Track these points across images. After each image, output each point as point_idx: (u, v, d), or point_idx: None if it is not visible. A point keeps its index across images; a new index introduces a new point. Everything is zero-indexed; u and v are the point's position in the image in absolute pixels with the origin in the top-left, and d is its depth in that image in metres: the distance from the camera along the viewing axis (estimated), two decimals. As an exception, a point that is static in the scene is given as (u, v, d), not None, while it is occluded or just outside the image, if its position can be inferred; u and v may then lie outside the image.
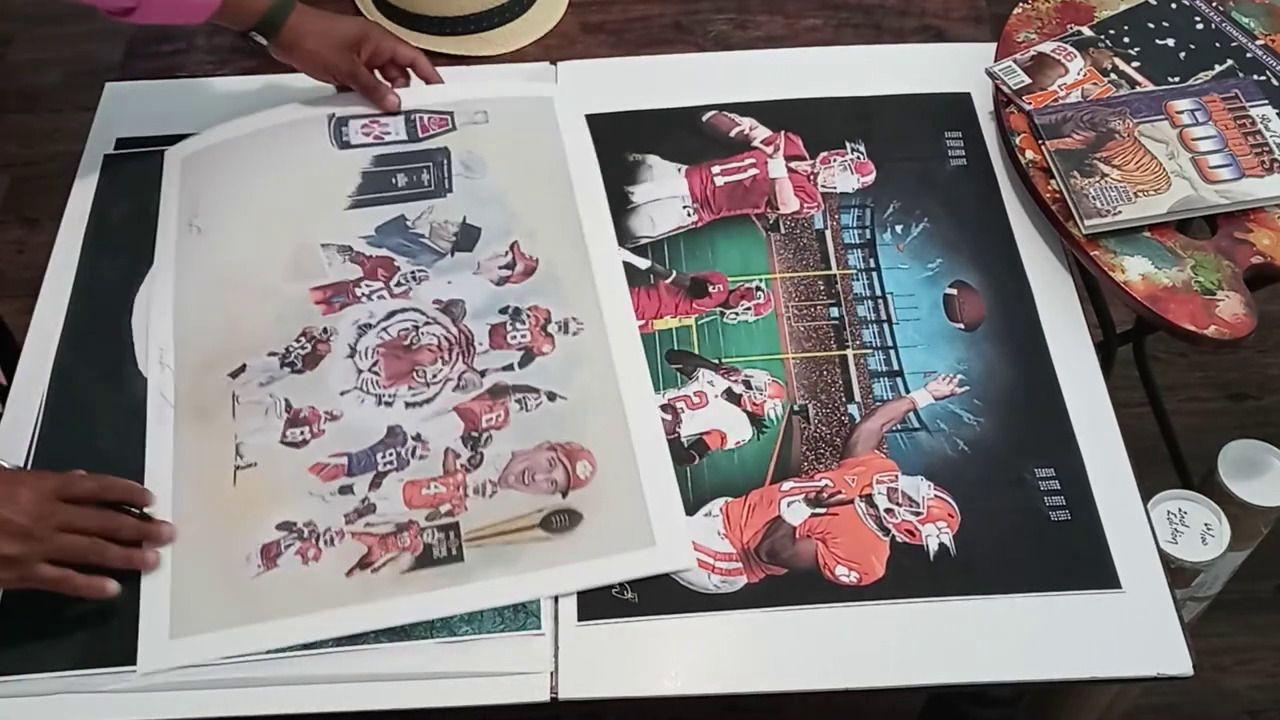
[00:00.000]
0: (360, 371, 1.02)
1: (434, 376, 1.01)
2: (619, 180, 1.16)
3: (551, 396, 0.99)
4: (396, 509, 0.95)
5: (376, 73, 1.18)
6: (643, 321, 1.06)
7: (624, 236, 1.12)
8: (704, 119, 1.21)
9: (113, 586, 0.88)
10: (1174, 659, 0.88)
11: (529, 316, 1.04)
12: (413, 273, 1.07)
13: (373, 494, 0.95)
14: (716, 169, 1.17)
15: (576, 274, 1.07)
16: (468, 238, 1.09)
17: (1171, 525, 1.29)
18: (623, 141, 1.19)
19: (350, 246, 1.09)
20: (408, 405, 1.00)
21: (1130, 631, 0.89)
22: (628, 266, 1.10)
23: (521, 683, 0.88)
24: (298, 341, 1.03)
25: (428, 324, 1.04)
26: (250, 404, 1.00)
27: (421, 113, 1.18)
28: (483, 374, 1.01)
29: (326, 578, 0.91)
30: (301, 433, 0.98)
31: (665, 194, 1.15)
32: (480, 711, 0.88)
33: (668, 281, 1.09)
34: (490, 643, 0.89)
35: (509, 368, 1.01)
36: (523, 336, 1.03)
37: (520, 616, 0.90)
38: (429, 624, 0.90)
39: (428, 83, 1.19)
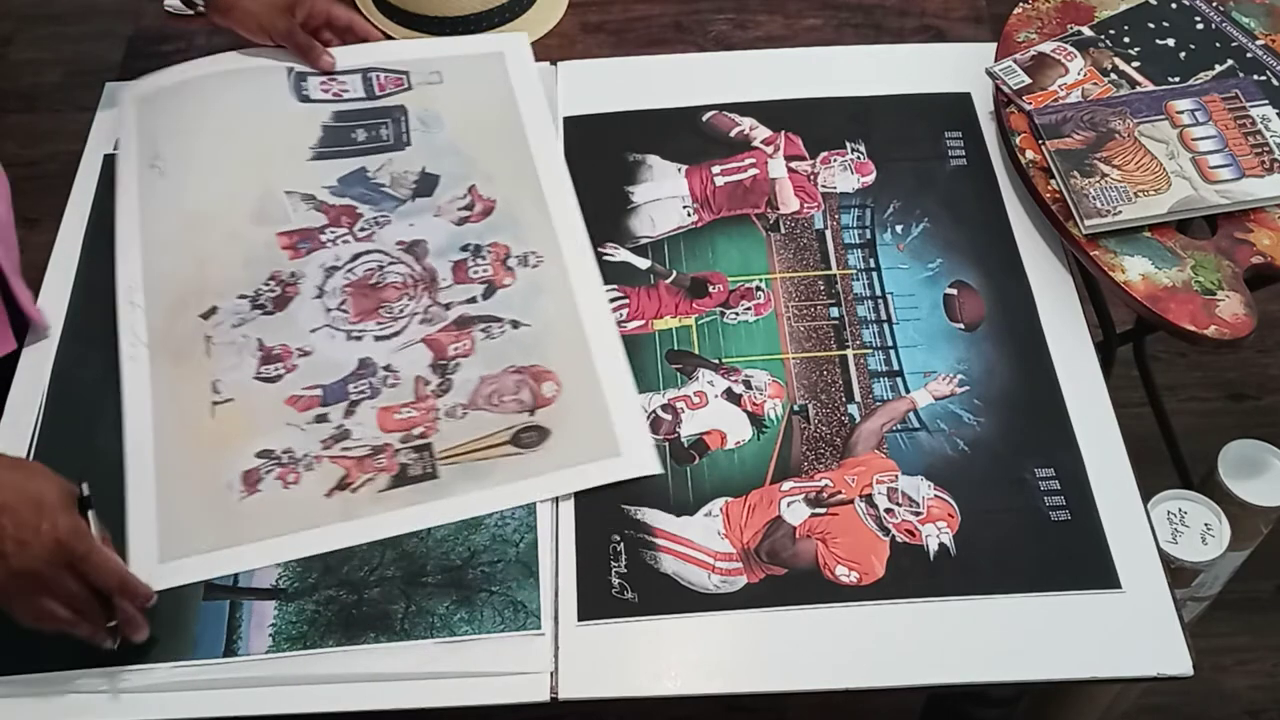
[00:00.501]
0: (329, 310, 1.06)
1: (401, 311, 1.05)
2: (619, 180, 1.16)
3: (515, 324, 1.04)
4: (371, 433, 0.98)
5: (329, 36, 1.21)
6: (643, 321, 1.07)
7: (624, 236, 1.12)
8: (704, 119, 1.21)
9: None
10: (1174, 659, 0.88)
11: (489, 252, 1.08)
12: (375, 218, 1.11)
13: (347, 421, 0.99)
14: (716, 169, 1.17)
15: (533, 211, 1.11)
16: (427, 184, 1.13)
17: (1171, 525, 1.29)
18: (623, 141, 1.19)
19: (313, 195, 1.13)
20: (377, 339, 1.04)
21: (1130, 631, 0.89)
22: (628, 266, 1.10)
23: (521, 683, 0.88)
24: (266, 285, 1.07)
25: (392, 263, 1.08)
26: (224, 344, 1.04)
27: (378, 71, 1.21)
28: (448, 307, 1.05)
29: (307, 499, 0.95)
30: (275, 369, 1.02)
31: (665, 194, 1.15)
32: (480, 711, 0.88)
33: (668, 281, 1.09)
34: (490, 643, 0.89)
35: (472, 300, 1.05)
36: (484, 271, 1.07)
37: (520, 616, 0.90)
38: (429, 624, 0.90)
39: (368, 40, 1.22)
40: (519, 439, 0.97)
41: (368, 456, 0.97)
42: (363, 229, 1.10)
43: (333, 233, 1.10)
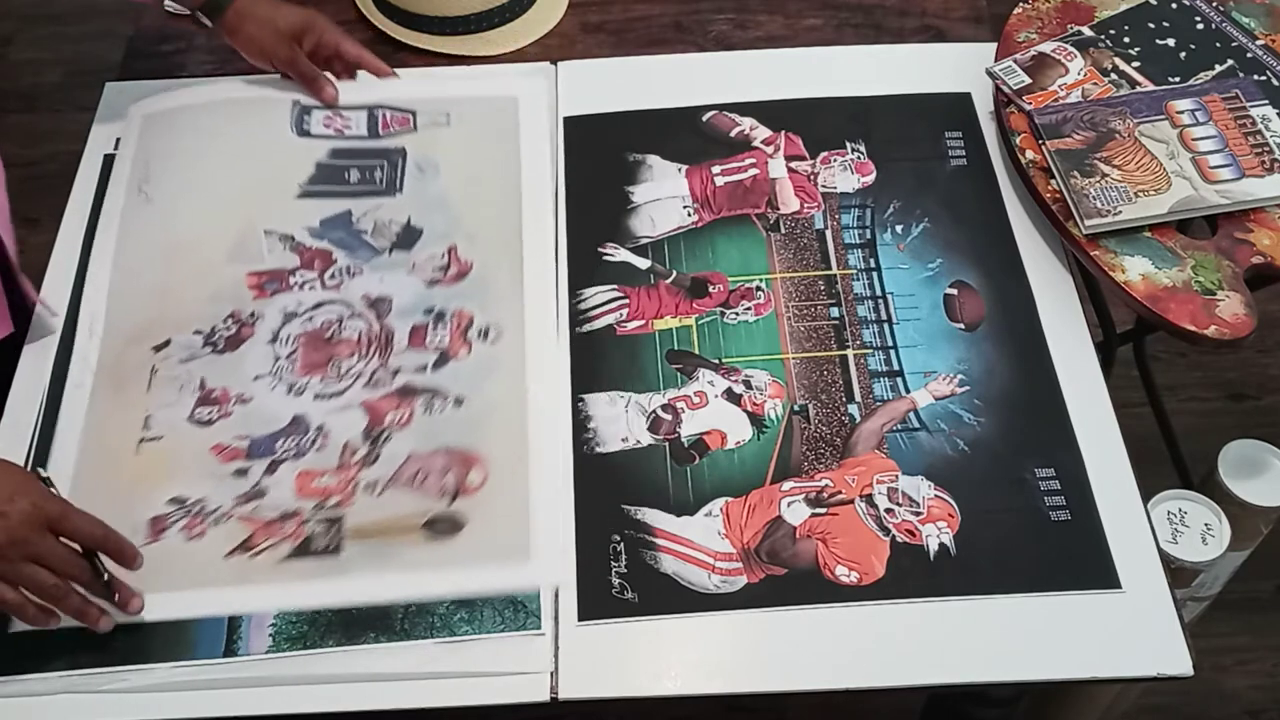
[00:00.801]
0: (277, 358, 1.04)
1: (347, 370, 1.03)
2: (619, 180, 1.16)
3: (459, 401, 1.00)
4: (286, 496, 0.96)
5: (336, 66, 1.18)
6: (643, 321, 1.07)
7: (624, 236, 1.12)
8: (704, 119, 1.21)
9: (57, 620, 0.87)
10: (1174, 659, 0.88)
11: (452, 320, 1.05)
12: (348, 267, 1.09)
13: (266, 479, 0.97)
14: (717, 169, 1.17)
15: (507, 281, 1.07)
16: (409, 237, 1.11)
17: (1171, 525, 1.29)
18: (623, 141, 1.19)
19: (292, 236, 1.11)
20: (317, 396, 1.02)
21: (1130, 631, 0.89)
22: (628, 266, 1.10)
23: (521, 683, 0.88)
24: (224, 322, 1.05)
25: (351, 317, 1.06)
26: (167, 378, 1.02)
27: (384, 109, 1.18)
28: (395, 373, 1.03)
29: (205, 557, 0.93)
30: (210, 412, 1.01)
31: (665, 194, 1.15)
32: (480, 711, 0.88)
33: (668, 281, 1.09)
34: (490, 643, 0.89)
35: (422, 369, 1.03)
36: (441, 340, 1.04)
37: (520, 616, 0.90)
38: (429, 624, 0.90)
39: (379, 77, 1.19)
40: (431, 527, 0.94)
41: (276, 521, 0.95)
42: (333, 277, 1.08)
43: (302, 276, 1.08)
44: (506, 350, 1.03)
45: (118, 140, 1.20)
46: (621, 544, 0.94)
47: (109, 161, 1.19)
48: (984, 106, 1.20)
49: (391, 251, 1.10)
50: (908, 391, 1.02)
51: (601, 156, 1.17)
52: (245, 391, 1.02)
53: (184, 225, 1.11)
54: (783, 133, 1.19)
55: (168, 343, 1.04)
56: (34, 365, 1.05)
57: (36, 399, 1.02)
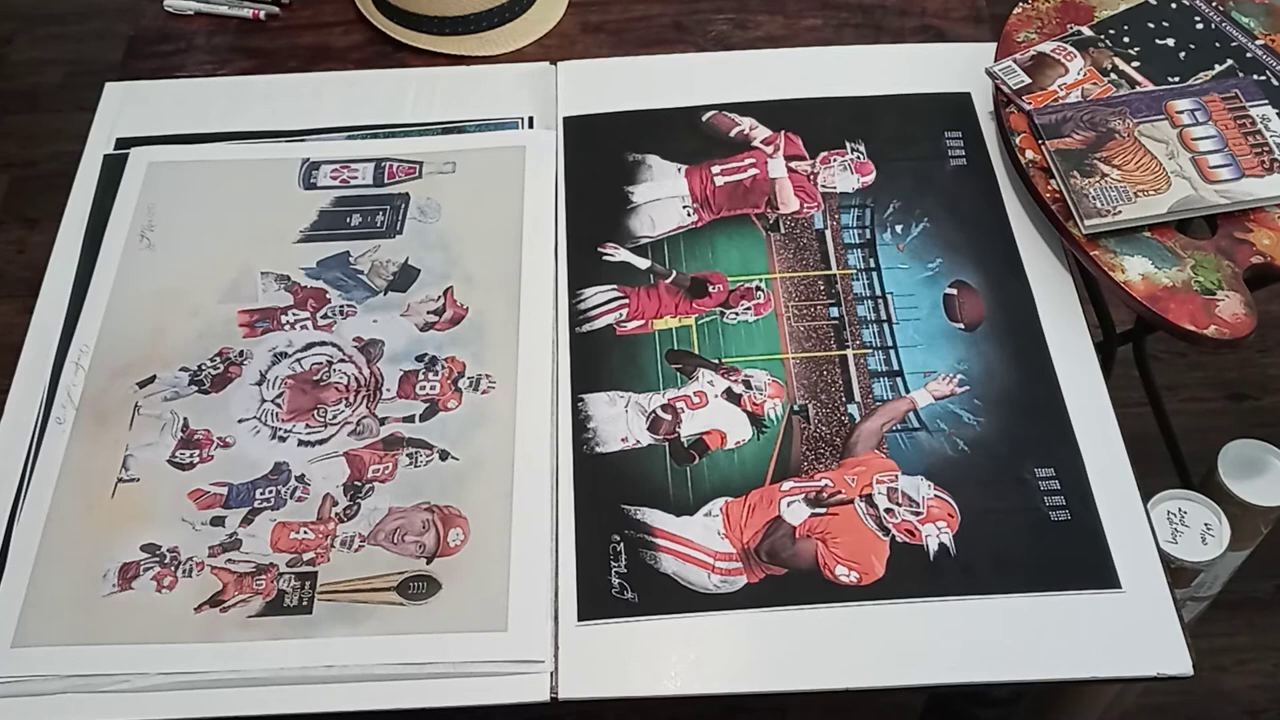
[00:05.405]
0: (263, 401, 1.02)
1: (333, 417, 1.01)
2: (619, 180, 1.16)
3: (444, 455, 0.98)
4: (261, 549, 0.94)
5: None
6: (643, 321, 1.07)
7: (624, 236, 1.12)
8: (704, 119, 1.21)
9: None
10: (1174, 659, 0.88)
11: (444, 367, 1.03)
12: (341, 307, 1.07)
13: (242, 530, 0.95)
14: (716, 169, 1.17)
15: (502, 330, 1.05)
16: (405, 278, 1.09)
17: (1171, 525, 1.29)
18: (623, 141, 1.19)
19: (288, 276, 1.10)
20: (300, 443, 1.00)
21: (1130, 631, 0.89)
22: (628, 266, 1.10)
23: (521, 683, 0.88)
24: (211, 360, 1.04)
25: (341, 361, 1.04)
26: (149, 417, 1.01)
27: (391, 160, 1.18)
28: (382, 422, 1.01)
29: (174, 610, 0.91)
30: (190, 455, 0.99)
31: (665, 194, 1.15)
32: (480, 711, 0.88)
33: (668, 281, 1.09)
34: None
35: (410, 419, 1.01)
36: (431, 389, 1.02)
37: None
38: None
39: None
40: (405, 588, 0.92)
41: (249, 575, 0.93)
42: (325, 317, 1.07)
43: (294, 315, 1.07)
44: (498, 403, 1.01)
45: (117, 140, 1.20)
46: (621, 544, 0.94)
47: (109, 161, 1.19)
48: (984, 106, 1.20)
49: (387, 292, 1.09)
50: (907, 391, 1.02)
51: (601, 156, 1.17)
52: (228, 435, 1.00)
53: (182, 273, 1.10)
54: (782, 133, 1.19)
55: (153, 379, 1.03)
56: (32, 370, 1.04)
57: (36, 402, 1.02)
